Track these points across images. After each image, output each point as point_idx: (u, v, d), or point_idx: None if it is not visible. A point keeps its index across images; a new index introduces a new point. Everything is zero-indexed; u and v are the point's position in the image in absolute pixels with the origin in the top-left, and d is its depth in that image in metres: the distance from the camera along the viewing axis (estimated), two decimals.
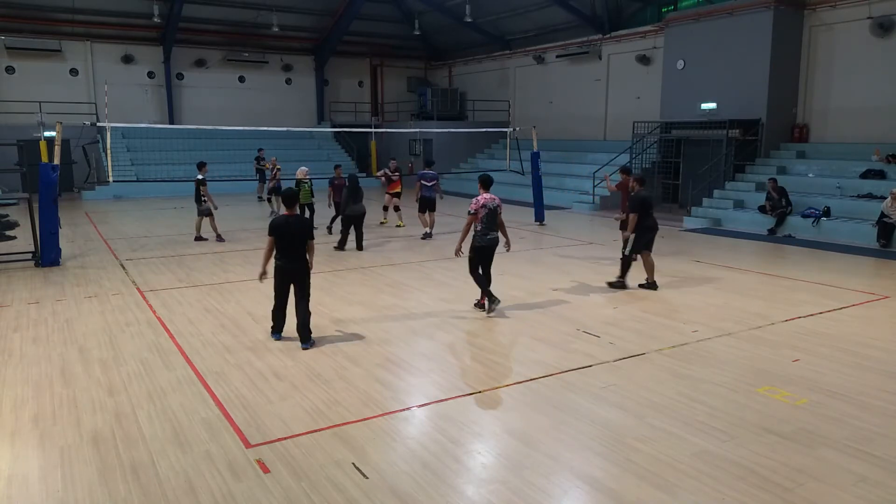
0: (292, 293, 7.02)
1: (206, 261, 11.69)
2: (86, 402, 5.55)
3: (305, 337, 6.98)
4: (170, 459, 4.55)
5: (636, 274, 9.60)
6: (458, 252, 8.30)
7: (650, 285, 9.40)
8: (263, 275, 7.07)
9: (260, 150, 20.32)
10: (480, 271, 8.19)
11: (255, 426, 5.06)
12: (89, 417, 5.24)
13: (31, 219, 11.30)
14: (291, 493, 4.13)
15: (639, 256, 9.45)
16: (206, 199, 13.23)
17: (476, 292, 8.48)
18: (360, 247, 12.65)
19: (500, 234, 8.22)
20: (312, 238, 7.03)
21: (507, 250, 8.42)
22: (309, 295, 7.03)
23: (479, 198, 8.00)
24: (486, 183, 8.17)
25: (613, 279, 9.55)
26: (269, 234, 6.85)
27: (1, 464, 4.51)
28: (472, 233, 8.15)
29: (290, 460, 4.53)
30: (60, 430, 5.03)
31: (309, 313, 7.01)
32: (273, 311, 7.18)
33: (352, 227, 12.61)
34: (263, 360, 6.57)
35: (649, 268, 9.39)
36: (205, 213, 13.40)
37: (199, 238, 13.61)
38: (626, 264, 9.35)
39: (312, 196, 14.89)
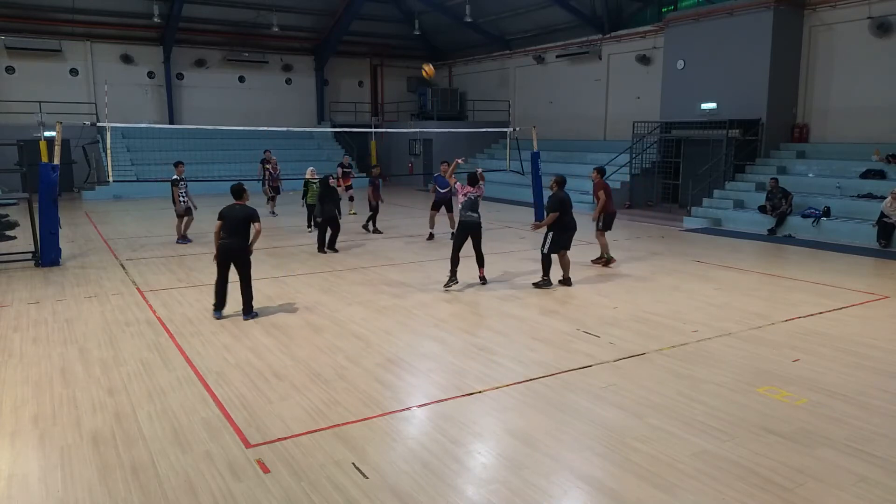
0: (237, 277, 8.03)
1: (205, 261, 11.67)
2: (86, 402, 5.55)
3: (247, 310, 8.08)
4: (170, 459, 4.55)
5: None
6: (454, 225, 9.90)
7: (566, 281, 9.76)
8: (217, 256, 7.99)
9: (266, 151, 19.84)
10: (459, 248, 9.52)
11: (255, 426, 5.06)
12: (89, 417, 5.24)
13: (31, 219, 11.30)
14: (291, 493, 4.13)
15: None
16: (183, 199, 13.11)
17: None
18: (331, 247, 12.47)
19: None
20: (258, 222, 8.05)
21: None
22: (249, 278, 8.08)
23: (466, 188, 9.53)
24: (472, 180, 9.59)
25: (539, 280, 9.71)
26: (218, 219, 7.99)
27: (1, 464, 4.51)
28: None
29: (290, 460, 4.53)
30: (60, 430, 5.03)
31: (251, 295, 8.11)
32: (215, 284, 8.06)
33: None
34: (263, 360, 6.57)
35: (566, 266, 9.77)
36: (179, 213, 13.27)
37: (183, 239, 13.47)
38: (546, 263, 9.68)
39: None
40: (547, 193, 10.35)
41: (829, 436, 4.88)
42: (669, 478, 4.28)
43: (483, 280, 9.81)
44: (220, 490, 4.16)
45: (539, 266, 9.88)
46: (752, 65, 16.73)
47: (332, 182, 12.80)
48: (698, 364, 6.44)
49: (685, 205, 17.84)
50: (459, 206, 9.60)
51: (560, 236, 9.55)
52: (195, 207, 13.52)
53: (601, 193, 10.94)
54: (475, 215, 9.49)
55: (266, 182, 18.01)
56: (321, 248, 12.49)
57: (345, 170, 17.06)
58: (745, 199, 16.22)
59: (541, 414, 5.29)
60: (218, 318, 8.00)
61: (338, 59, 29.86)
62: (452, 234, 13.81)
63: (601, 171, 11.22)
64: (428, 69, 16.50)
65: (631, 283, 9.97)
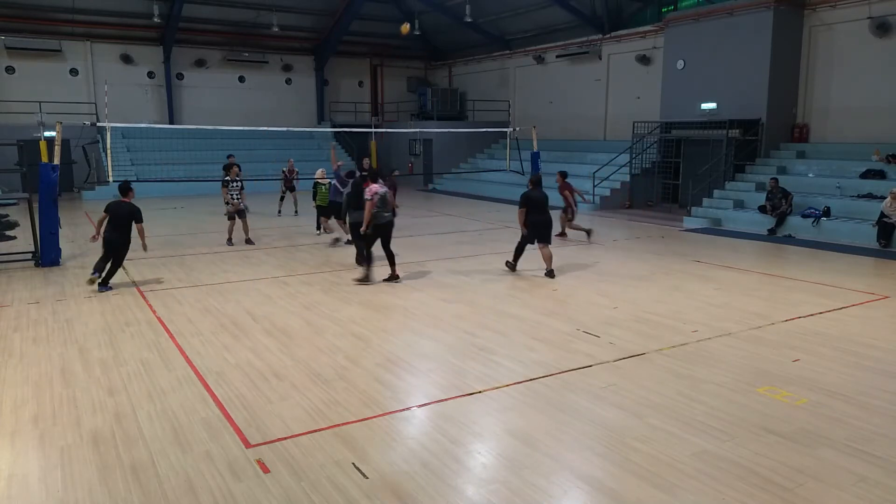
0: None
1: (206, 261, 11.69)
2: (86, 402, 5.55)
3: (105, 283, 9.44)
4: (170, 459, 4.55)
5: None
6: (365, 230, 9.68)
7: (549, 273, 10.25)
8: (95, 237, 9.44)
9: (230, 156, 19.46)
10: (373, 249, 9.83)
11: (255, 426, 5.06)
12: (89, 417, 5.24)
13: (31, 219, 11.30)
14: (291, 493, 4.13)
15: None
16: (236, 199, 12.94)
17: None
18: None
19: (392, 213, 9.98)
20: (140, 222, 9.32)
21: (394, 216, 10.13)
22: (120, 263, 9.52)
23: (372, 187, 9.60)
24: (375, 177, 9.95)
25: (510, 259, 10.68)
26: (104, 211, 9.24)
27: (1, 464, 4.51)
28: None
29: (290, 460, 4.53)
30: (60, 430, 5.03)
31: (114, 273, 9.49)
32: (99, 260, 9.44)
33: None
34: (263, 360, 6.57)
35: (546, 258, 10.30)
36: (228, 215, 13.12)
37: (229, 241, 13.21)
38: (517, 250, 10.54)
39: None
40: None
41: (829, 436, 4.88)
42: (669, 478, 4.28)
43: (397, 278, 9.93)
44: (220, 490, 4.16)
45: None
46: (752, 65, 16.73)
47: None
48: (698, 364, 6.44)
49: (685, 205, 17.84)
50: (374, 207, 9.49)
51: (530, 230, 10.14)
52: (247, 209, 13.31)
53: (566, 193, 13.54)
54: (390, 214, 9.81)
55: (282, 183, 18.00)
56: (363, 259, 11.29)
57: (363, 173, 16.58)
58: (745, 199, 16.22)
59: (541, 414, 5.29)
60: (94, 275, 9.34)
61: (338, 59, 29.86)
62: (337, 241, 13.03)
63: (563, 174, 13.78)
64: (404, 27, 17.17)
65: (631, 283, 9.97)
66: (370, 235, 9.72)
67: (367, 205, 9.53)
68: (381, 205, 9.64)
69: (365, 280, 9.87)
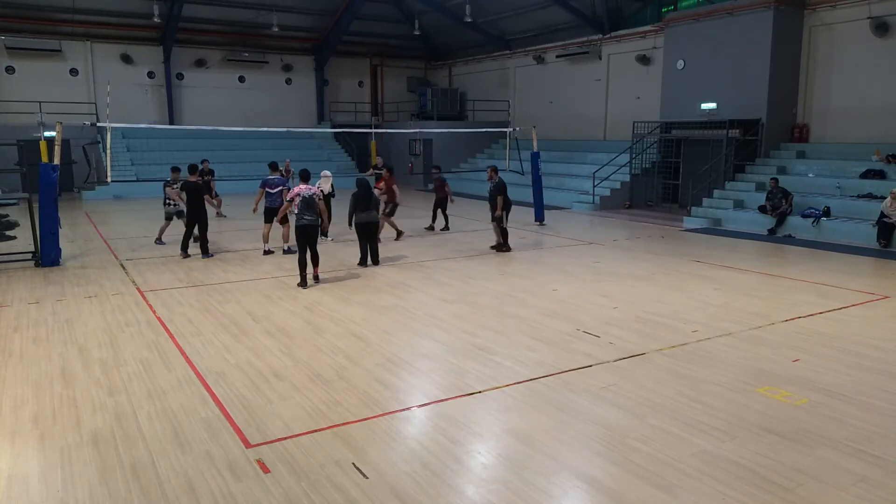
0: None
1: (206, 261, 11.68)
2: (86, 402, 5.55)
3: (204, 251, 11.83)
4: (170, 459, 4.55)
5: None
6: (280, 221, 10.92)
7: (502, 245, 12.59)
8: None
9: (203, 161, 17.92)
10: (304, 249, 9.73)
11: (255, 426, 5.06)
12: (89, 417, 5.24)
13: (31, 219, 11.30)
14: (291, 493, 4.13)
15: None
16: (170, 201, 12.94)
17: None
18: (375, 261, 11.22)
19: (318, 217, 9.85)
20: (205, 194, 11.75)
21: (326, 234, 10.84)
22: (202, 230, 11.74)
23: (295, 188, 9.76)
24: (305, 176, 10.20)
25: (503, 247, 12.47)
26: (181, 189, 11.90)
27: (1, 464, 4.51)
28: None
29: (290, 460, 4.53)
30: (60, 430, 5.02)
31: (204, 240, 11.86)
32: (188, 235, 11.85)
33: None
34: (263, 360, 6.57)
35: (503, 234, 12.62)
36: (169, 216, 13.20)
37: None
38: (507, 233, 12.55)
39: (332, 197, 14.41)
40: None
41: (829, 436, 4.88)
42: (669, 478, 4.28)
43: (316, 279, 9.89)
44: (220, 490, 4.16)
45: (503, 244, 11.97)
46: (752, 65, 16.73)
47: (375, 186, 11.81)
48: (698, 364, 6.44)
49: (685, 205, 17.84)
50: (296, 208, 9.49)
51: (509, 212, 12.13)
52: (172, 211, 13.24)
53: (395, 187, 13.45)
54: (313, 217, 9.58)
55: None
56: (363, 261, 11.19)
57: (377, 171, 15.97)
58: (745, 199, 16.21)
59: (541, 414, 5.29)
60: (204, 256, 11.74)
61: (338, 59, 29.85)
62: (287, 248, 12.23)
63: (390, 168, 14.00)
64: None
65: (631, 283, 9.97)
66: (298, 238, 9.61)
67: (285, 205, 9.67)
68: (304, 207, 9.50)
69: (304, 284, 9.68)
